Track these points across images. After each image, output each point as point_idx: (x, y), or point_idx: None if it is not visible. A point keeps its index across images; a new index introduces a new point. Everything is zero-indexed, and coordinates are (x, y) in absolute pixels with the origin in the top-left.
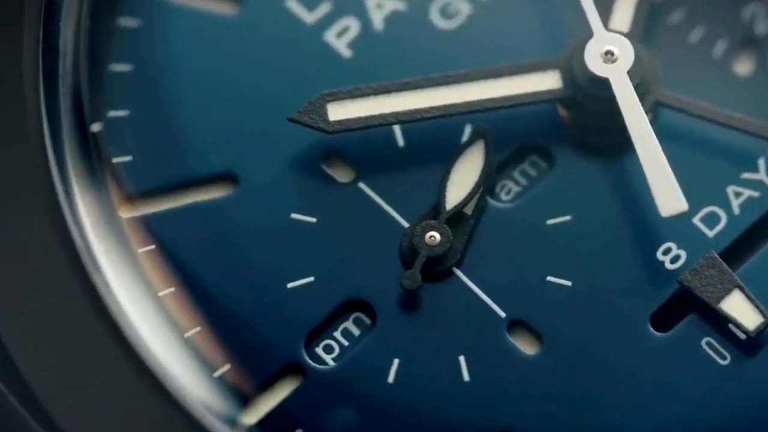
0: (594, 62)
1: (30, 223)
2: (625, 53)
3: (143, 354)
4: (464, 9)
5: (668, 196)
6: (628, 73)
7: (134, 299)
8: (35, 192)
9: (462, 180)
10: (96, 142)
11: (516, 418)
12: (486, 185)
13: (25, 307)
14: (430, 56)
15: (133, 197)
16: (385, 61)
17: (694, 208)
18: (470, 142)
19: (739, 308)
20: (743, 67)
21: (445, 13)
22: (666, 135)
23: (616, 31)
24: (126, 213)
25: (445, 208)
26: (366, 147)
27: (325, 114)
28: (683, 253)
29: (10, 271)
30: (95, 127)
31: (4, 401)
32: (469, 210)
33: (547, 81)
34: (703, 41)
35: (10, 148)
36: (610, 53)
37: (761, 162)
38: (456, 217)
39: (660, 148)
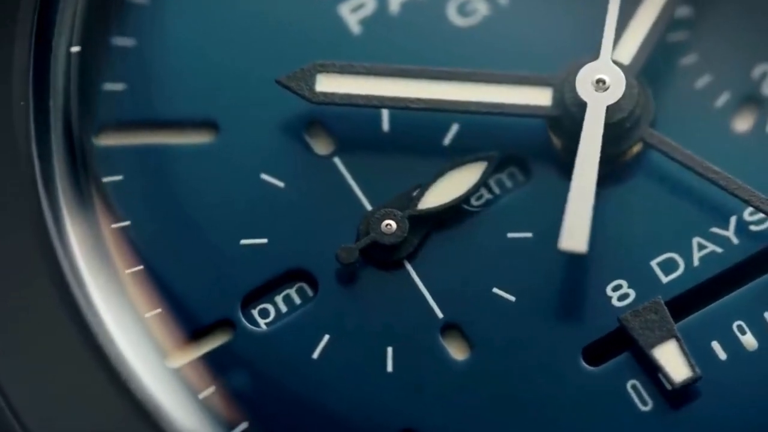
0: (583, 86)
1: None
2: (616, 86)
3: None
4: (482, 10)
5: (575, 233)
6: (616, 104)
7: (78, 234)
8: (20, 202)
9: (447, 189)
10: (80, 65)
11: (424, 418)
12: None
13: None
14: (436, 49)
15: (114, 126)
16: (391, 44)
17: (656, 251)
18: (474, 159)
19: (670, 358)
20: (741, 123)
21: (462, 10)
22: (649, 172)
23: (616, 63)
24: (102, 141)
25: (416, 205)
26: (351, 124)
27: (313, 83)
28: (632, 293)
29: None
30: (74, 48)
31: None
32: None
33: (538, 97)
34: (707, 89)
35: None
36: (602, 81)
37: (733, 220)
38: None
39: (593, 188)
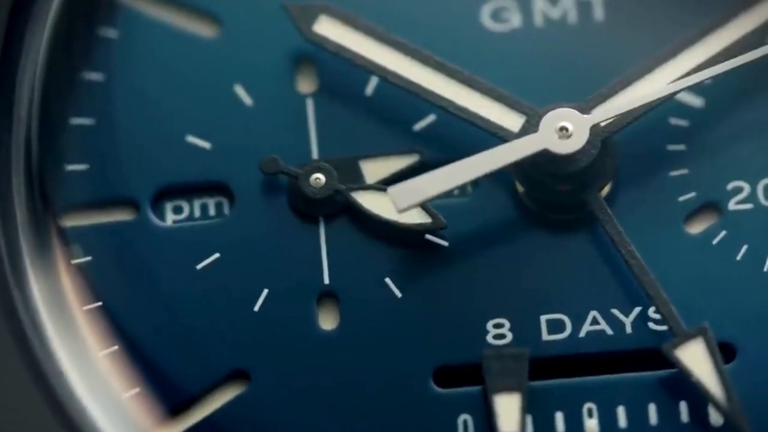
0: (547, 124)
1: None
2: (575, 141)
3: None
4: (515, 22)
5: (410, 194)
6: (570, 157)
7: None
8: None
9: (388, 205)
10: None
11: (261, 368)
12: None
13: None
14: (453, 41)
15: None
16: (414, 18)
17: (551, 307)
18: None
19: (507, 409)
20: (694, 226)
21: (496, 15)
22: (589, 233)
23: (595, 124)
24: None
25: (352, 190)
26: (339, 76)
27: (313, 21)
28: (510, 337)
29: None
30: None
31: None
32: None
33: (510, 120)
34: (678, 181)
35: None
36: (565, 129)
37: (636, 310)
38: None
39: (459, 183)
